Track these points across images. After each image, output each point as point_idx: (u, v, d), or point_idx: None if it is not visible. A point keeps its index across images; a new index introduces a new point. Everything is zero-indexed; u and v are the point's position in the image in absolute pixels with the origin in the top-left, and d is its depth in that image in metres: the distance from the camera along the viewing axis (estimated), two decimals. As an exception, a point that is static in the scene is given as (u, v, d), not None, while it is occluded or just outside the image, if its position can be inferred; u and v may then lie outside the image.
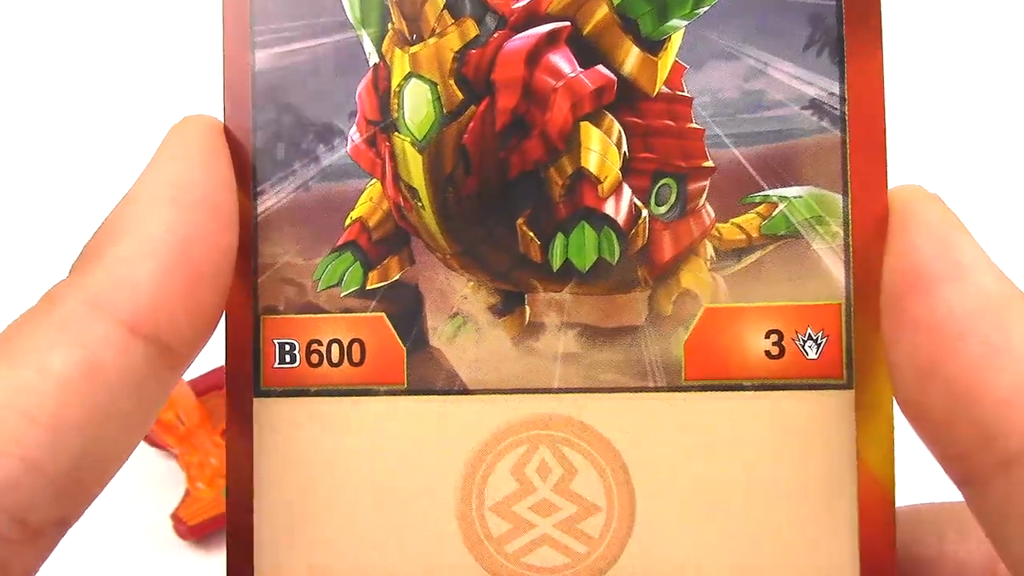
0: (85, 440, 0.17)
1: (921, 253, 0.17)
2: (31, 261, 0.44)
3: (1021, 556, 0.16)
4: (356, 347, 0.19)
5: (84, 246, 0.18)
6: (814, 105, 0.18)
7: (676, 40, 0.19)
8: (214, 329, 0.19)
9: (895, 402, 0.18)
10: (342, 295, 0.20)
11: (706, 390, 0.19)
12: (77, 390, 0.16)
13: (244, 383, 0.20)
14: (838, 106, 0.18)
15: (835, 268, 0.18)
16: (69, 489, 0.17)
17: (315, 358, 0.20)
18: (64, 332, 0.17)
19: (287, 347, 0.20)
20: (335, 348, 0.20)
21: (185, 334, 0.18)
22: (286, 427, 0.19)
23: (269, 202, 0.20)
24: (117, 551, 0.40)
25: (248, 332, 0.20)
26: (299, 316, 0.20)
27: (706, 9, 0.19)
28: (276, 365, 0.20)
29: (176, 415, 0.42)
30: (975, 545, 0.19)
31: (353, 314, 0.20)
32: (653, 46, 0.19)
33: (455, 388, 0.19)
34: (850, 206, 0.18)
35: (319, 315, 0.20)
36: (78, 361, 0.17)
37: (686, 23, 0.19)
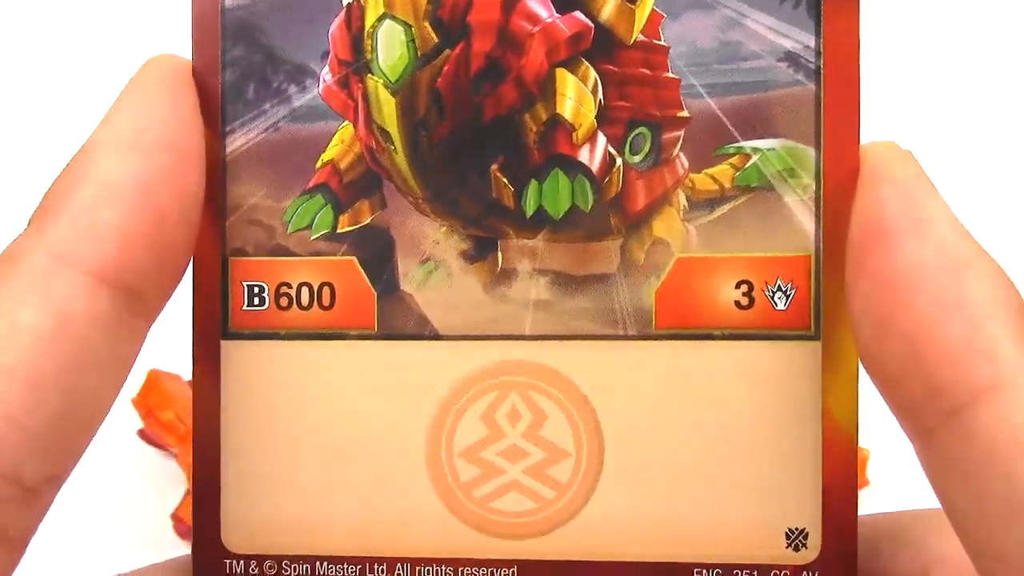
0: (64, 393, 0.18)
1: (886, 207, 0.18)
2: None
3: (961, 508, 0.17)
4: (326, 291, 0.21)
5: (44, 195, 0.19)
6: (789, 58, 0.20)
7: None
8: (183, 272, 0.20)
9: None
10: (312, 238, 0.21)
11: (676, 339, 0.20)
12: (50, 343, 0.18)
13: (212, 326, 0.21)
14: (813, 59, 0.20)
15: (805, 220, 0.20)
16: (55, 443, 0.18)
17: (284, 301, 0.21)
18: (31, 287, 0.18)
19: (256, 289, 0.21)
20: (305, 291, 0.21)
21: (153, 279, 0.19)
22: (254, 371, 0.21)
23: (238, 142, 0.21)
24: (117, 551, 0.41)
25: (216, 274, 0.21)
26: (268, 259, 0.21)
27: None
28: (245, 307, 0.21)
29: (176, 415, 0.43)
30: (908, 559, 0.20)
31: (323, 257, 0.21)
32: None
33: (426, 333, 0.20)
34: (822, 160, 0.20)
35: (289, 258, 0.21)
36: (48, 315, 0.18)
37: None
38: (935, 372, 0.17)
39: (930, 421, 0.17)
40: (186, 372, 0.44)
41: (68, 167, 0.19)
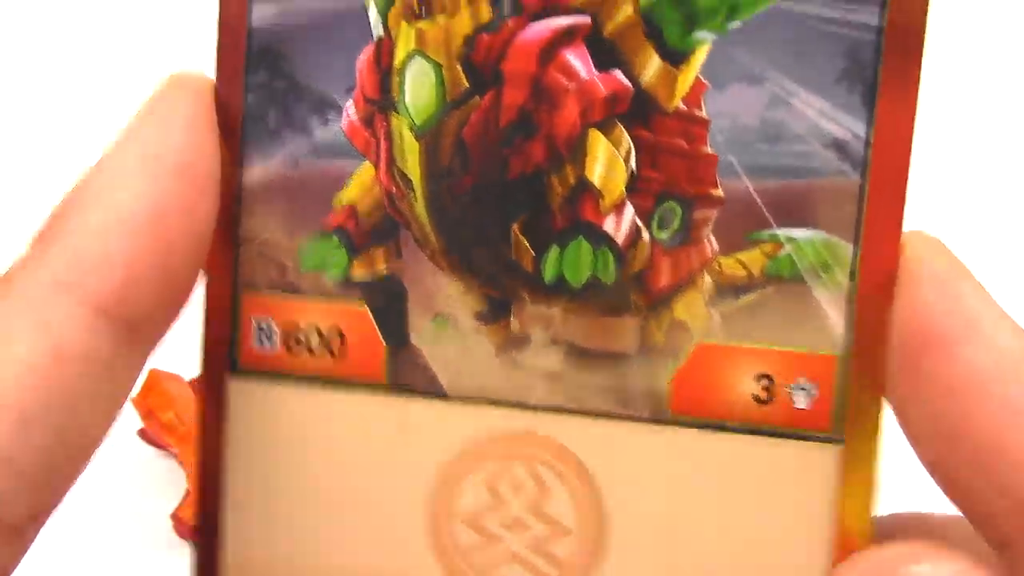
0: (54, 427, 0.18)
1: (932, 309, 0.18)
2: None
3: None
4: (336, 337, 0.21)
5: (49, 215, 0.19)
6: (837, 145, 0.19)
7: (701, 54, 0.19)
8: (185, 305, 0.20)
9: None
10: (325, 281, 0.21)
11: (689, 426, 0.20)
12: (43, 376, 0.18)
13: (220, 361, 0.21)
14: (862, 150, 0.19)
15: (835, 319, 0.19)
16: (42, 479, 0.18)
17: (293, 343, 0.21)
18: (27, 316, 0.18)
19: (265, 327, 0.21)
20: (314, 335, 0.21)
21: (155, 312, 0.19)
22: (260, 412, 0.21)
23: (256, 173, 0.21)
24: (117, 551, 0.43)
25: (227, 306, 0.21)
26: (279, 297, 0.21)
27: (738, 25, 0.19)
28: (253, 345, 0.21)
29: (176, 415, 0.45)
30: None
31: (335, 302, 0.21)
32: (676, 57, 0.19)
33: (434, 391, 0.21)
34: (859, 257, 0.19)
35: (300, 298, 0.21)
36: (43, 346, 0.18)
37: (715, 37, 0.19)
38: (1017, 485, 0.17)
39: (1011, 532, 0.18)
40: (186, 372, 0.46)
41: (77, 187, 0.19)
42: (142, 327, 0.19)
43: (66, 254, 0.18)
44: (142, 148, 0.19)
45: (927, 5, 0.19)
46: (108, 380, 0.19)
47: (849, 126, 0.19)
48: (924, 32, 0.19)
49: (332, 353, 0.21)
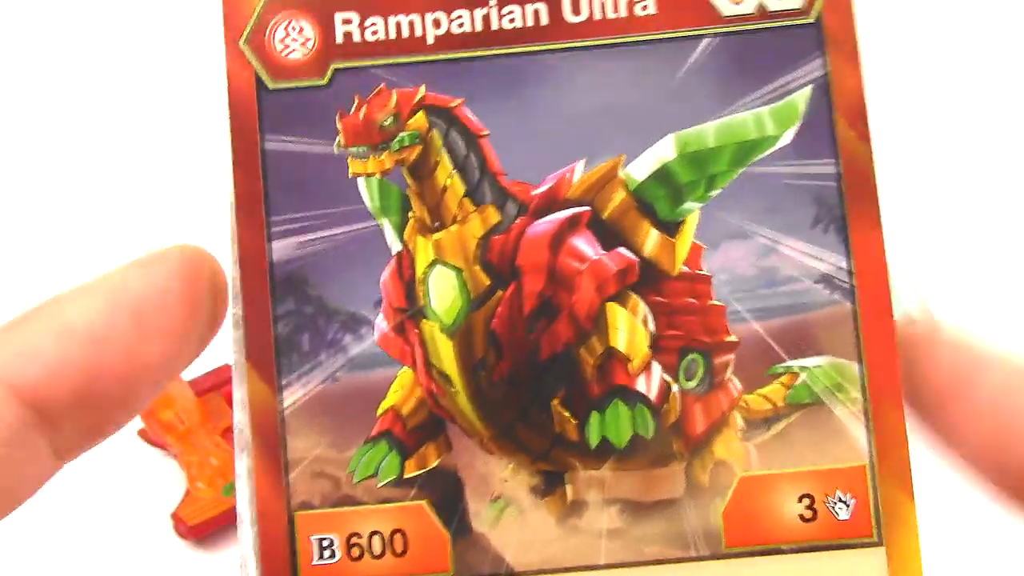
0: None
1: (944, 362, 0.21)
2: None
3: None
4: (398, 537, 0.22)
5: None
6: (825, 279, 0.22)
7: (692, 221, 0.22)
8: (114, 429, 0.21)
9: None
10: (379, 486, 0.22)
11: (746, 556, 0.22)
12: None
13: None
14: (847, 279, 0.22)
15: (856, 432, 0.22)
16: None
17: (356, 552, 0.22)
18: None
19: (325, 543, 0.22)
20: (376, 540, 0.22)
21: (71, 414, 0.20)
22: None
23: (296, 395, 0.22)
24: (117, 551, 0.44)
25: (283, 531, 0.22)
26: (336, 510, 0.22)
27: (718, 192, 0.22)
28: (315, 562, 0.22)
29: (176, 415, 0.46)
30: None
31: (393, 504, 0.22)
32: (670, 228, 0.22)
33: (502, 572, 0.22)
34: (866, 372, 0.22)
35: (357, 507, 0.22)
36: None
37: (700, 205, 0.22)
38: None
39: None
40: (186, 372, 0.46)
41: (44, 302, 0.21)
42: (57, 425, 0.20)
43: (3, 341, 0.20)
44: (113, 285, 0.21)
45: (871, 147, 0.22)
46: (7, 460, 0.20)
47: (832, 261, 0.22)
48: (874, 168, 0.22)
49: (396, 553, 0.22)
